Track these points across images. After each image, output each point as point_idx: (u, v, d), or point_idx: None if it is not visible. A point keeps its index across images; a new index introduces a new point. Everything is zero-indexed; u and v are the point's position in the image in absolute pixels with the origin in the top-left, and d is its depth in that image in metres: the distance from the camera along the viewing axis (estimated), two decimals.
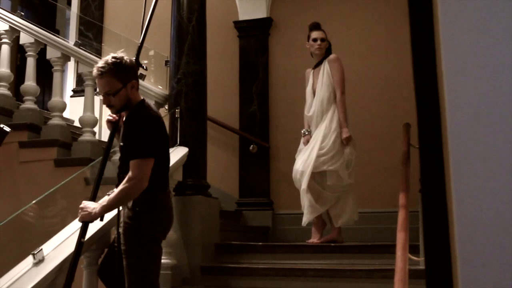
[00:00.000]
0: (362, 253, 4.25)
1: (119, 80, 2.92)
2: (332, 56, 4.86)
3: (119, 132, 3.12)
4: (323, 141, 4.65)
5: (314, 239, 4.72)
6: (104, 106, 6.34)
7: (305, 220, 4.70)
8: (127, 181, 2.85)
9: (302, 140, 4.92)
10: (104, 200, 2.91)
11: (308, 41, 4.96)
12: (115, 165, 3.25)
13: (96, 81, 3.00)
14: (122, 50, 3.06)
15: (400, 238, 2.65)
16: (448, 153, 1.20)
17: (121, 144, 3.04)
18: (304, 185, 4.61)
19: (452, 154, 1.16)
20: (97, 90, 3.09)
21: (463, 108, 1.15)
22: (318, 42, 4.88)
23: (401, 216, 2.89)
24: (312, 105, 4.86)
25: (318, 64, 4.94)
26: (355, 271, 3.87)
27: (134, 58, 3.11)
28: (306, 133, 4.90)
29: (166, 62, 5.82)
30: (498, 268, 1.08)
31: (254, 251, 4.55)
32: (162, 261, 3.25)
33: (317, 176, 4.66)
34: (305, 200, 4.65)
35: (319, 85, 4.83)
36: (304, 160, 4.68)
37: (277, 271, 4.09)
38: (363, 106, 5.71)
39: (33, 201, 3.63)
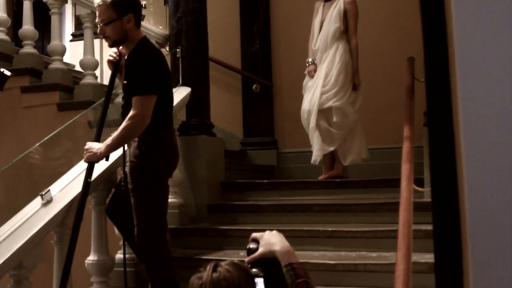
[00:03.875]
0: (367, 188, 4.28)
1: (115, 10, 2.91)
2: None
3: (121, 72, 3.10)
4: (325, 78, 4.64)
5: (324, 176, 4.76)
6: (104, 48, 6.32)
7: (314, 158, 4.72)
8: (129, 118, 2.85)
9: (307, 70, 4.86)
10: (109, 139, 2.91)
11: None
12: (117, 107, 3.24)
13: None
14: None
15: (405, 170, 2.65)
16: (456, 83, 1.18)
17: (125, 82, 3.02)
18: (312, 123, 4.63)
19: (459, 84, 1.14)
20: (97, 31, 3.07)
21: (472, 39, 1.13)
22: None
23: (406, 147, 2.90)
24: (318, 40, 4.80)
25: None
26: (360, 205, 3.92)
27: None
28: (311, 62, 4.85)
29: (165, 1, 5.72)
30: (507, 197, 1.08)
31: (259, 189, 4.58)
32: (169, 200, 3.29)
33: (324, 114, 4.65)
34: (314, 138, 4.67)
35: (327, 19, 4.76)
36: (310, 99, 4.68)
37: (283, 207, 4.15)
38: (367, 41, 5.61)
39: (37, 143, 3.63)
